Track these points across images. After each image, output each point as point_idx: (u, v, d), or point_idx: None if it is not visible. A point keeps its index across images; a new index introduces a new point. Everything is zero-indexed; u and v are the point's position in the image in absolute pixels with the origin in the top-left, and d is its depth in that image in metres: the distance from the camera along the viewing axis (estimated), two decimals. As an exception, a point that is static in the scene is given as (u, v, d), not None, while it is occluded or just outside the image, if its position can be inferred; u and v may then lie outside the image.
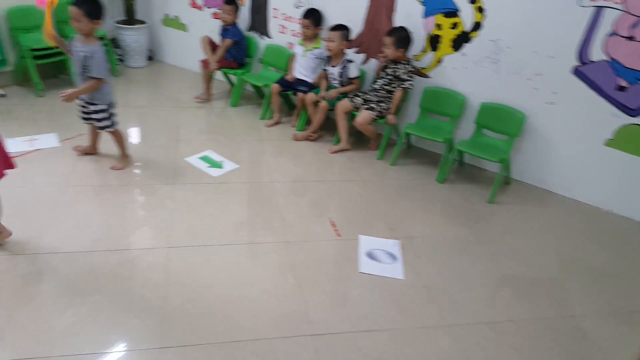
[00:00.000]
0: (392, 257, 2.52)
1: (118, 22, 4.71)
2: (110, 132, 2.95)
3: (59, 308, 2.00)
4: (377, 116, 3.42)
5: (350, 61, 3.58)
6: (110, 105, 2.85)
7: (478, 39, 3.27)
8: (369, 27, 3.69)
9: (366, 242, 2.60)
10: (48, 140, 3.29)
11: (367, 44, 3.76)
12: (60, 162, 3.07)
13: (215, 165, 3.23)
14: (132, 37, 4.70)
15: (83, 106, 2.86)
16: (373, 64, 3.77)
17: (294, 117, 3.99)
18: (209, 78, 4.22)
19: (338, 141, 3.64)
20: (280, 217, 2.76)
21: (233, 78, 4.43)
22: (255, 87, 4.39)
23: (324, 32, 3.82)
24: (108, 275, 2.21)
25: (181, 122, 3.83)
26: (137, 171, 3.09)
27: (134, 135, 3.56)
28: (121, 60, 4.92)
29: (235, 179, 3.11)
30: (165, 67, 5.09)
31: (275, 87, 3.83)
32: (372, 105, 3.43)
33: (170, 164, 3.19)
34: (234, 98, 4.25)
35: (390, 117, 3.40)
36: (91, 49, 2.60)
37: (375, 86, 3.53)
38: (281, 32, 4.18)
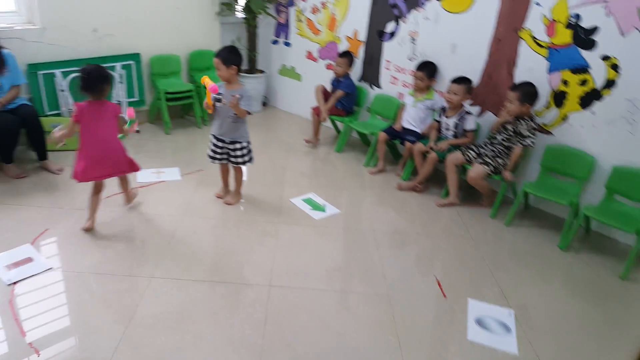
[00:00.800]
0: (505, 327, 2.29)
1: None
2: (240, 167, 3.17)
3: (166, 332, 2.10)
4: (491, 171, 3.26)
5: (469, 113, 3.50)
6: (249, 142, 3.10)
7: (611, 97, 3.02)
8: (486, 80, 3.61)
9: (476, 308, 2.40)
10: (172, 174, 3.62)
11: (483, 97, 3.67)
12: (180, 194, 3.34)
13: (318, 208, 3.29)
14: (251, 85, 5.10)
15: (220, 147, 3.05)
16: (488, 117, 3.66)
17: (400, 167, 3.96)
18: (318, 125, 4.39)
19: (446, 194, 3.52)
20: (381, 268, 2.68)
21: (340, 125, 4.56)
22: (361, 134, 4.47)
23: (439, 84, 3.82)
24: (213, 305, 2.29)
25: (288, 165, 3.99)
26: (245, 208, 3.24)
27: (244, 174, 3.76)
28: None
29: (336, 223, 3.12)
30: (277, 112, 5.42)
31: (382, 135, 3.86)
32: (487, 159, 3.28)
33: (276, 204, 3.30)
34: (339, 144, 4.35)
35: (507, 174, 3.21)
36: (241, 91, 2.90)
37: (493, 141, 3.40)
38: (392, 83, 4.25)
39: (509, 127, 3.28)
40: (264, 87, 5.33)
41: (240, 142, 3.04)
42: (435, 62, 3.81)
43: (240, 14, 5.09)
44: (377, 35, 4.24)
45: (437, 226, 3.24)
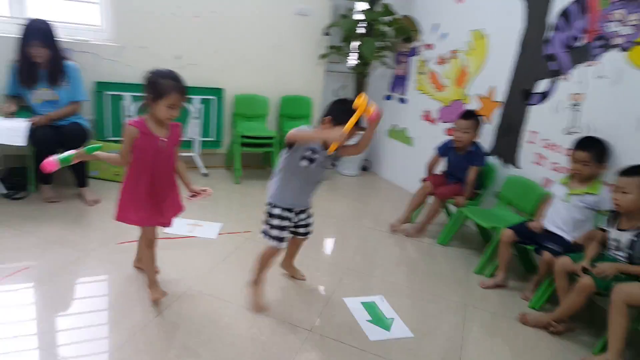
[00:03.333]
0: None
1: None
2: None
3: None
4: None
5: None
6: None
7: None
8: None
9: None
10: (209, 230, 3.06)
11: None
12: (206, 257, 2.73)
13: (380, 321, 2.32)
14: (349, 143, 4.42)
15: (294, 220, 2.30)
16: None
17: (532, 286, 2.79)
18: (421, 203, 3.49)
19: (602, 349, 2.25)
20: None
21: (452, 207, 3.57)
22: (481, 227, 3.41)
23: (607, 174, 2.69)
24: None
25: (370, 249, 3.14)
26: (278, 297, 2.41)
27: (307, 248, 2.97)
28: (333, 165, 4.71)
29: (401, 355, 2.10)
30: (377, 180, 4.63)
31: (508, 233, 2.78)
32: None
33: (322, 299, 2.44)
34: (444, 234, 3.34)
35: None
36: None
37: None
38: (536, 163, 3.19)
39: None
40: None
41: (310, 208, 2.38)
42: (609, 140, 2.69)
43: (352, 61, 4.53)
44: (521, 96, 3.28)
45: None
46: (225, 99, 4.08)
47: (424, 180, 3.50)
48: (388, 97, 4.61)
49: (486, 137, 3.49)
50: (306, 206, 2.33)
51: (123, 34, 3.62)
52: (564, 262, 2.46)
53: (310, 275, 2.66)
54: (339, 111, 2.05)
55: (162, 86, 1.92)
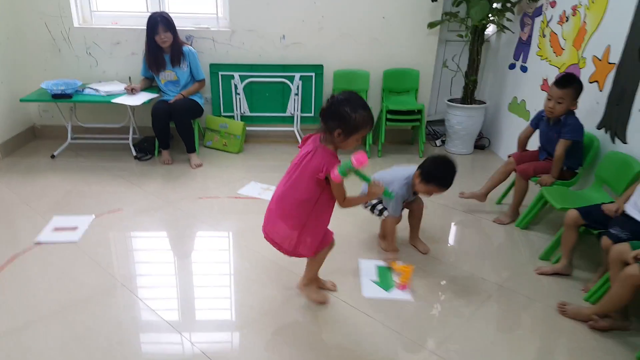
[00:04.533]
0: None
1: (450, 100, 4.39)
2: None
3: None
4: None
5: None
6: None
7: None
8: None
9: None
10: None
11: None
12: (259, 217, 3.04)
13: (383, 283, 2.39)
14: (457, 118, 4.26)
15: None
16: None
17: (596, 276, 2.43)
18: (525, 192, 3.13)
19: (643, 355, 1.90)
20: None
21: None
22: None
23: None
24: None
25: (434, 225, 3.08)
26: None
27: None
28: (443, 142, 4.60)
29: (396, 309, 2.12)
30: (493, 160, 4.33)
31: (573, 215, 2.45)
32: None
33: (339, 263, 2.56)
34: (524, 217, 3.06)
35: None
36: None
37: None
38: (648, 138, 2.69)
39: None
40: (478, 124, 4.35)
41: None
42: None
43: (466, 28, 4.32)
44: (638, 55, 2.77)
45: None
46: (325, 75, 4.28)
47: (509, 156, 3.24)
48: (512, 66, 4.26)
49: (600, 107, 3.03)
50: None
51: (235, 19, 4.13)
52: (620, 249, 2.11)
53: (349, 242, 2.79)
54: (429, 171, 2.44)
55: (357, 121, 1.77)
